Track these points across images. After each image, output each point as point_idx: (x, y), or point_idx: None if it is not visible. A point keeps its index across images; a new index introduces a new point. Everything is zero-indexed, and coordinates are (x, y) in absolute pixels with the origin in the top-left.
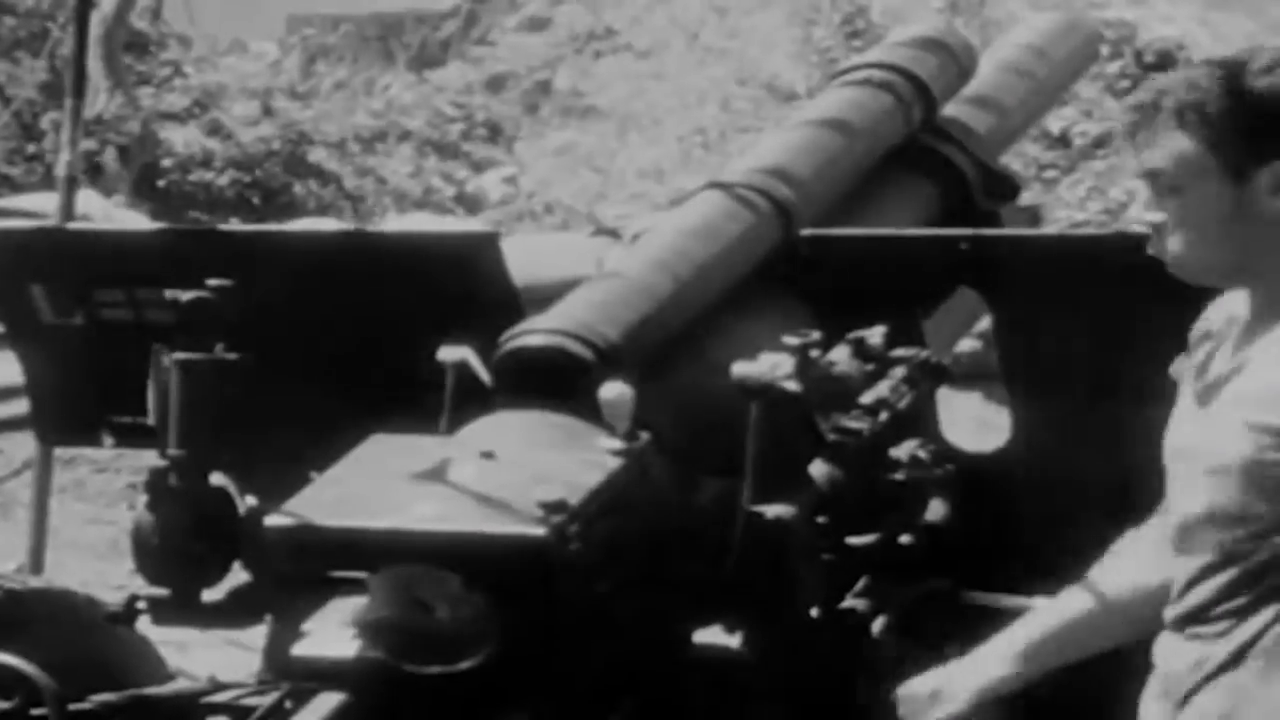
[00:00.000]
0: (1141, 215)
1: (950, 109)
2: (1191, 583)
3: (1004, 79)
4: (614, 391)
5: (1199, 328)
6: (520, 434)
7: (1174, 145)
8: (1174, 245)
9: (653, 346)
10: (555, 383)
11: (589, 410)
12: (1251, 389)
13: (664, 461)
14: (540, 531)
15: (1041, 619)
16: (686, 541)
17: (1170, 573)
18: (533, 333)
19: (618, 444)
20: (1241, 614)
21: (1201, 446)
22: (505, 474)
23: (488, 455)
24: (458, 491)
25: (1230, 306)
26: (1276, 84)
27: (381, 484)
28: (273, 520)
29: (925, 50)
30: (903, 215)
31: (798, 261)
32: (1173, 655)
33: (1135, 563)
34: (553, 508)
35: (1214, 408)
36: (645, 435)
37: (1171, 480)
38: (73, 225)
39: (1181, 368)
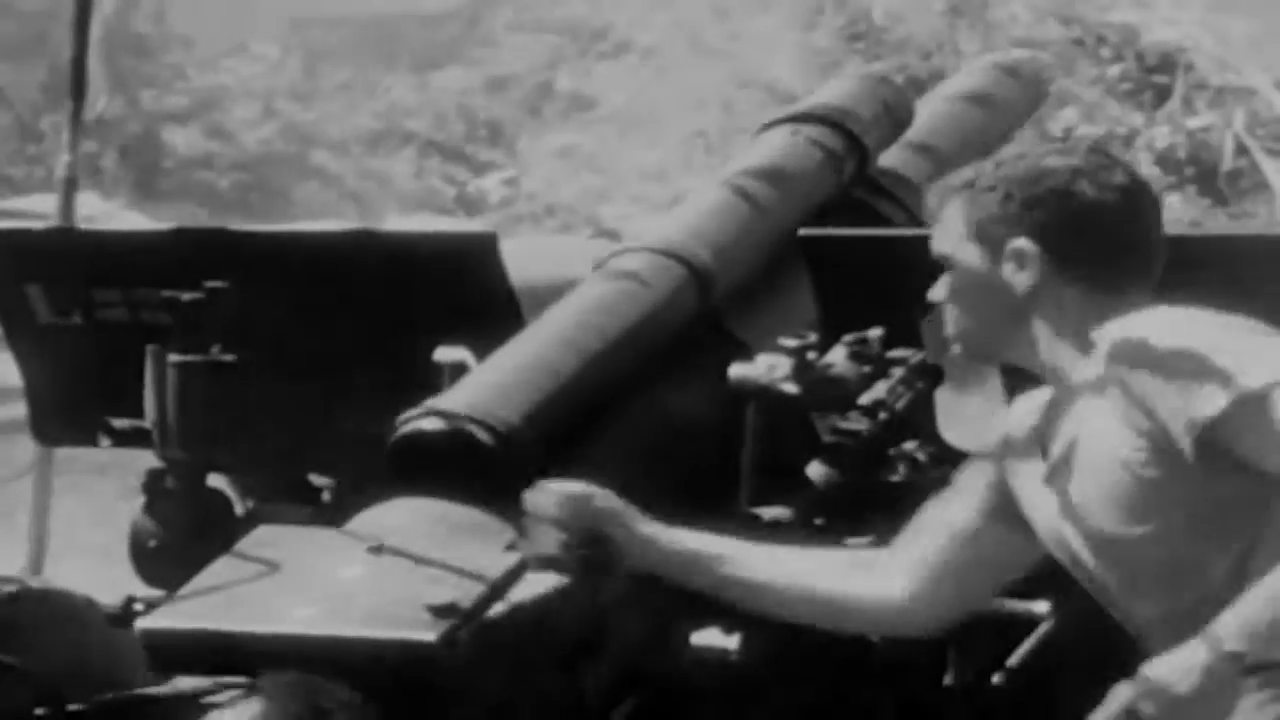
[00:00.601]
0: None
1: (885, 158)
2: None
3: (944, 125)
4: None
5: (1004, 433)
6: (414, 527)
7: (948, 221)
8: (949, 322)
9: (557, 428)
10: (453, 471)
11: (488, 499)
12: (1095, 460)
13: None
14: (429, 637)
15: (718, 542)
16: (598, 638)
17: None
18: (430, 417)
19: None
20: None
21: (1086, 524)
22: (395, 573)
23: (376, 550)
24: (343, 592)
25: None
26: (1032, 165)
27: (264, 583)
28: (148, 621)
29: (858, 100)
30: None
31: (717, 329)
32: None
33: (821, 561)
34: (443, 611)
35: (1073, 485)
36: None
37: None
38: (70, 225)
39: (987, 458)
